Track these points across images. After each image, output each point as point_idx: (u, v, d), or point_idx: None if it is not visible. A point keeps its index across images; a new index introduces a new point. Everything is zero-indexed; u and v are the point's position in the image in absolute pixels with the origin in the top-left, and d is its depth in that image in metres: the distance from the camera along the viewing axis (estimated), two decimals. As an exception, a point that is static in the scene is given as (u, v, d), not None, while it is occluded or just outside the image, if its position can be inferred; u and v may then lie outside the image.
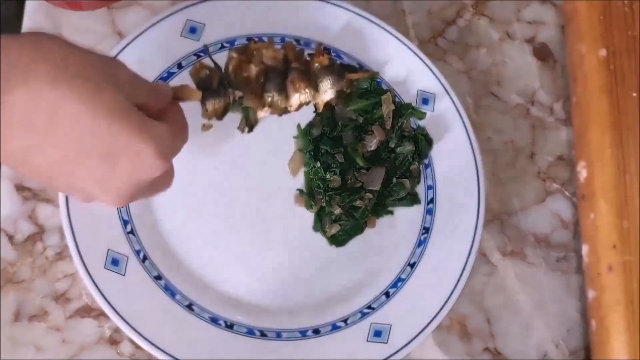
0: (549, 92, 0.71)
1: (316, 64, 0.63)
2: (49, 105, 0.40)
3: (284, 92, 0.62)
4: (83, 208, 0.58)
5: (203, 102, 0.61)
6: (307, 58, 0.65)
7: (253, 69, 0.61)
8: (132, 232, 0.59)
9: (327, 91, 0.62)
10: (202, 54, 0.65)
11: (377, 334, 0.59)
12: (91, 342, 0.57)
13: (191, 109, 0.63)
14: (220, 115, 0.61)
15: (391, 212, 0.64)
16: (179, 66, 0.64)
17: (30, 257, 0.58)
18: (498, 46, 0.72)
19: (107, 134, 0.42)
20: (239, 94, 0.61)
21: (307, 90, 0.61)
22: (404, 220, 0.64)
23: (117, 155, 0.42)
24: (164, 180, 0.49)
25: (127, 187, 0.45)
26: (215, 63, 0.63)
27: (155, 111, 0.47)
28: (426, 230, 0.63)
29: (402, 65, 0.67)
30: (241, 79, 0.61)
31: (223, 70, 0.63)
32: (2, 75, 0.38)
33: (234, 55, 0.61)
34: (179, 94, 0.61)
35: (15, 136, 0.40)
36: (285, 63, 0.63)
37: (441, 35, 0.71)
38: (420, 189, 0.65)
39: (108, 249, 0.57)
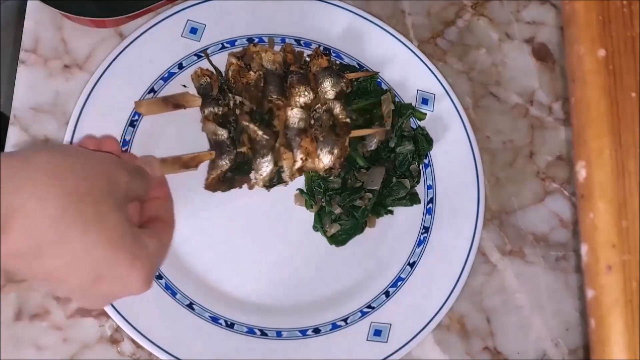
0: (548, 92, 0.72)
1: (315, 66, 0.63)
2: (50, 228, 0.40)
3: (284, 95, 0.62)
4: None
5: (203, 108, 0.61)
6: (307, 59, 0.65)
7: (252, 75, 0.61)
8: (132, 231, 0.59)
9: (328, 92, 0.62)
10: (202, 55, 0.65)
11: (377, 333, 0.60)
12: (92, 341, 0.57)
13: (192, 112, 0.63)
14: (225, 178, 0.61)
15: (391, 212, 0.64)
16: (180, 66, 0.64)
17: (32, 257, 0.59)
18: (497, 46, 0.72)
19: (102, 261, 0.43)
20: (238, 99, 0.61)
21: (307, 92, 0.62)
22: (403, 219, 0.64)
23: (106, 277, 0.44)
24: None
25: (107, 300, 0.50)
26: (215, 68, 0.63)
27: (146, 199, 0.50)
28: (426, 229, 0.64)
29: (402, 66, 0.67)
30: (241, 85, 0.61)
31: (223, 76, 0.63)
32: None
33: (234, 61, 0.62)
34: (179, 101, 0.62)
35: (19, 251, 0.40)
36: (285, 66, 0.63)
37: (441, 36, 0.72)
38: (420, 189, 0.65)
39: (109, 249, 0.58)
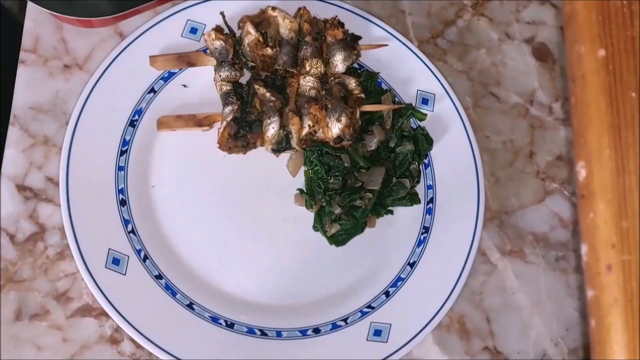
0: (547, 92, 0.72)
1: (330, 38, 0.63)
2: None
3: (295, 67, 0.62)
4: (84, 207, 0.58)
5: (217, 69, 0.61)
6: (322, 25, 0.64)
7: (269, 52, 0.61)
8: (133, 231, 0.59)
9: (338, 65, 0.62)
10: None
11: (377, 333, 0.60)
12: (92, 341, 0.57)
13: (193, 106, 0.63)
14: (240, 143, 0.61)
15: (391, 212, 0.64)
16: (180, 66, 0.64)
17: (31, 257, 0.59)
18: (497, 46, 0.72)
19: None
20: (252, 64, 0.62)
21: (318, 65, 0.62)
22: (403, 219, 0.64)
23: None
24: None
25: None
26: (230, 29, 0.63)
27: None
28: (426, 229, 0.64)
29: (402, 66, 0.67)
30: (257, 56, 0.61)
31: (237, 39, 0.63)
32: None
33: (252, 31, 0.61)
34: (193, 60, 0.62)
35: None
36: (300, 34, 0.63)
37: (441, 36, 0.72)
38: (420, 189, 0.65)
39: (109, 249, 0.58)
